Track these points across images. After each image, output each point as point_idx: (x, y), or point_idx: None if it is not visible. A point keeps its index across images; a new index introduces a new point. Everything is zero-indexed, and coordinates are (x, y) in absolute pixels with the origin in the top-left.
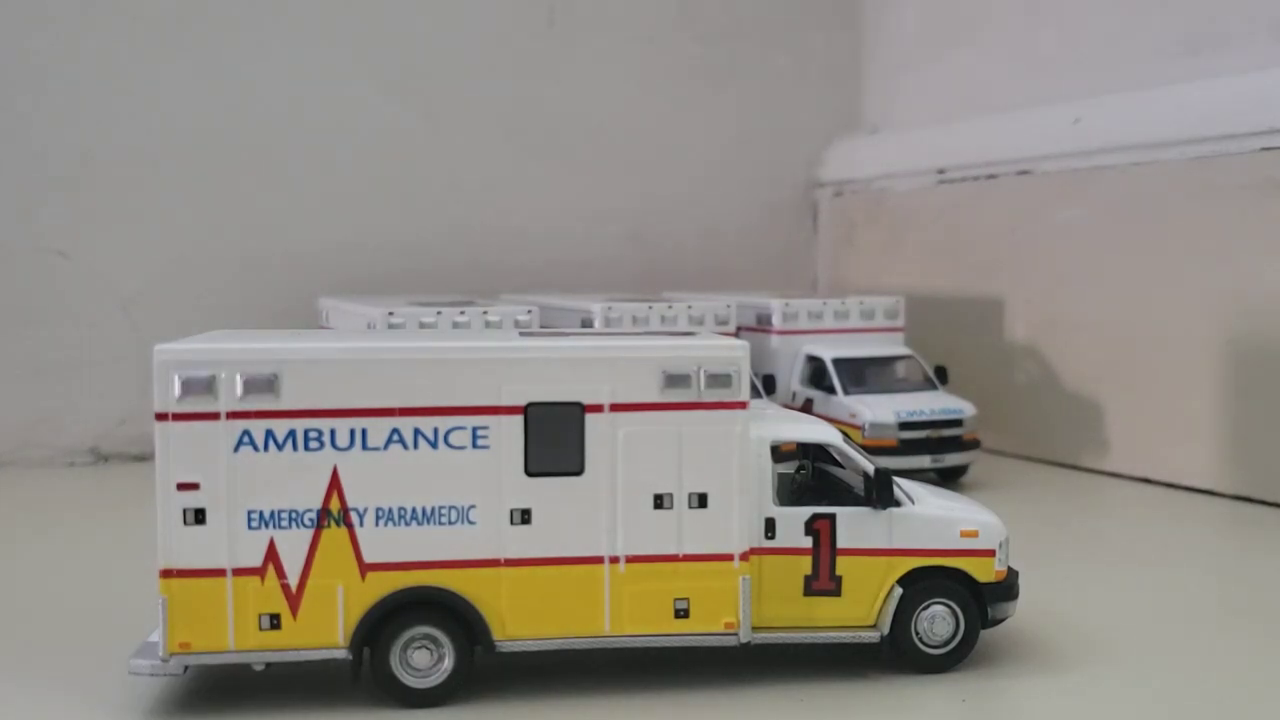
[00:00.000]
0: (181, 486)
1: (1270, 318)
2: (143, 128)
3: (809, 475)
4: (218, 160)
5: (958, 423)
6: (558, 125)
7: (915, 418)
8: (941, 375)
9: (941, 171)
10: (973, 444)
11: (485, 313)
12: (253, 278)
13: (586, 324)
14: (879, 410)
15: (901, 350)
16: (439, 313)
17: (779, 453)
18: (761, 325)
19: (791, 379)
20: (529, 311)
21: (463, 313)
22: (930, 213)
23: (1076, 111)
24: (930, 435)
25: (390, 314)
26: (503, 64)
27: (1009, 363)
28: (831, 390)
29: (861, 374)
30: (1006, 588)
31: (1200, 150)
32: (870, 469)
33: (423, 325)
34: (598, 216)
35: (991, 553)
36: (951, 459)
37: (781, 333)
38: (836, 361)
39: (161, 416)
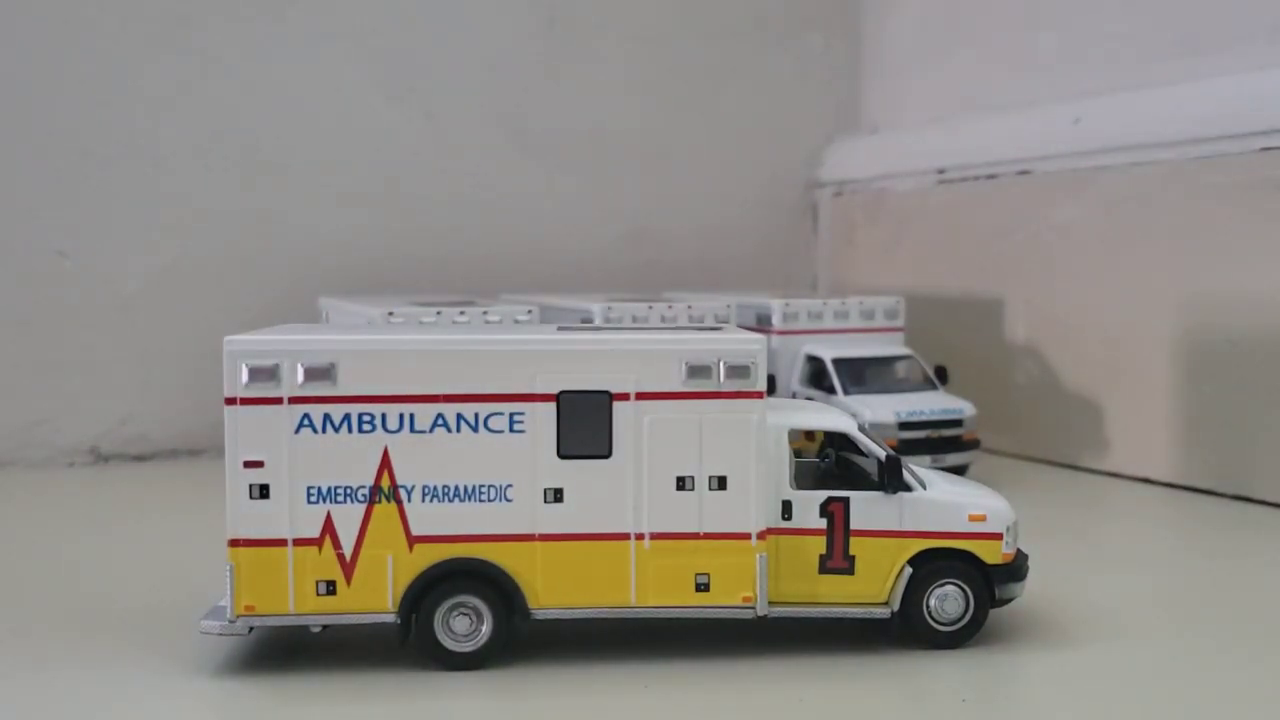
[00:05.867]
0: (248, 464)
1: (1270, 317)
2: (143, 128)
3: (833, 463)
4: (218, 160)
5: (958, 423)
6: (558, 125)
7: (915, 418)
8: (941, 375)
9: (941, 171)
10: (973, 444)
11: (485, 313)
12: (253, 278)
13: (587, 323)
14: (879, 410)
15: (901, 350)
16: (439, 313)
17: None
18: (761, 325)
19: (791, 379)
20: (529, 311)
21: (463, 313)
22: (930, 213)
23: (1076, 111)
24: (930, 435)
25: (390, 314)
26: (503, 64)
27: (1009, 363)
28: (831, 390)
29: (861, 374)
30: (1014, 569)
31: (1200, 150)
32: (881, 455)
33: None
34: (598, 216)
35: (999, 536)
36: (951, 459)
37: (781, 333)
38: (836, 361)
39: (230, 401)
